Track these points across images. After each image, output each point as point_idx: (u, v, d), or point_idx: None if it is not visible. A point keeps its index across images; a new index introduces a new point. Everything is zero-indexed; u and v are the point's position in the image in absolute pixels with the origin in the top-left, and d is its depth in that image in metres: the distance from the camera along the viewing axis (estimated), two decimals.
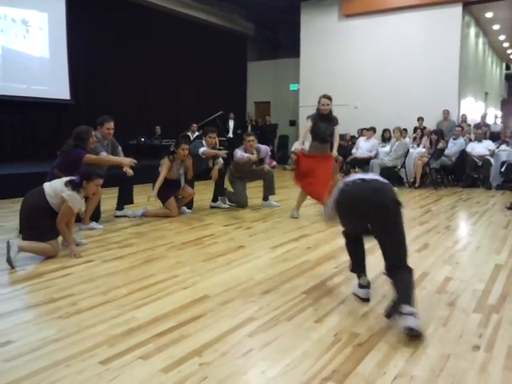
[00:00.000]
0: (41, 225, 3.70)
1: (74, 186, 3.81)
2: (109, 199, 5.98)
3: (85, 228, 4.84)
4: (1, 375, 2.00)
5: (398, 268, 2.55)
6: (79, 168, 4.48)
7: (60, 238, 3.92)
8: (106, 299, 2.87)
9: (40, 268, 3.52)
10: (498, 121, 14.17)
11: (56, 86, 10.12)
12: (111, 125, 5.28)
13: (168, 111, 12.62)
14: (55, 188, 3.78)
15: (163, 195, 5.55)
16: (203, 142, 6.14)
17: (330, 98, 5.44)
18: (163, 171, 5.46)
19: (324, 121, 5.44)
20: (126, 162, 5.19)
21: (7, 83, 9.19)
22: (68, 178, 3.86)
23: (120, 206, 5.59)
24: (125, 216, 5.52)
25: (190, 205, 6.01)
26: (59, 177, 4.09)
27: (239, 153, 6.13)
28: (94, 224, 4.92)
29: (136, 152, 8.35)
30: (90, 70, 10.78)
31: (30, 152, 9.14)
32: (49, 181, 3.96)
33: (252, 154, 6.19)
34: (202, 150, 5.94)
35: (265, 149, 6.45)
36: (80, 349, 2.22)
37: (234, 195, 6.30)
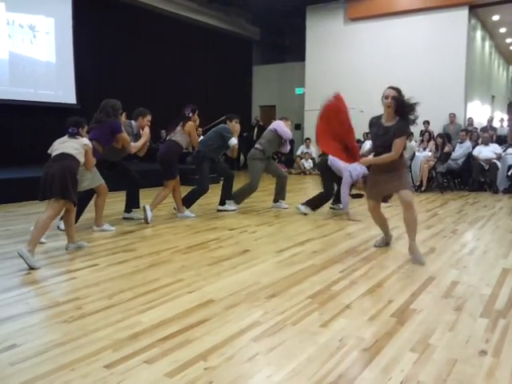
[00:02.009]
0: (75, 184, 3.91)
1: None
2: (115, 203, 6.02)
3: (97, 230, 4.87)
4: (6, 379, 2.00)
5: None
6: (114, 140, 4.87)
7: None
8: (111, 303, 2.87)
9: (45, 272, 3.52)
10: (505, 124, 14.07)
11: (62, 90, 10.19)
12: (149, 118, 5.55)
13: (174, 115, 12.63)
14: (77, 143, 4.05)
15: (173, 169, 5.57)
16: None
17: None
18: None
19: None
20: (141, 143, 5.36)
21: (14, 88, 9.26)
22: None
23: (128, 209, 5.63)
24: (132, 219, 5.54)
25: (188, 201, 5.98)
26: (97, 149, 4.55)
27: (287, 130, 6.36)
28: (106, 226, 4.95)
29: (143, 156, 8.37)
30: (96, 74, 10.83)
31: (36, 156, 9.16)
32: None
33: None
34: (232, 141, 6.00)
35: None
36: (85, 353, 2.22)
37: (245, 188, 6.34)
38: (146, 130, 5.45)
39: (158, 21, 12.23)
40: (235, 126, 6.20)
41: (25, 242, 3.75)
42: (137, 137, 5.52)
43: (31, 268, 3.51)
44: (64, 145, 4.01)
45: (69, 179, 3.78)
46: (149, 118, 5.52)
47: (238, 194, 6.37)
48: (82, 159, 4.03)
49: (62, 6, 10.07)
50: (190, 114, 5.70)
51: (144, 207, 5.34)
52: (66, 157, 3.90)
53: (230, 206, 6.32)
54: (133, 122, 5.48)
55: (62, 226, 4.89)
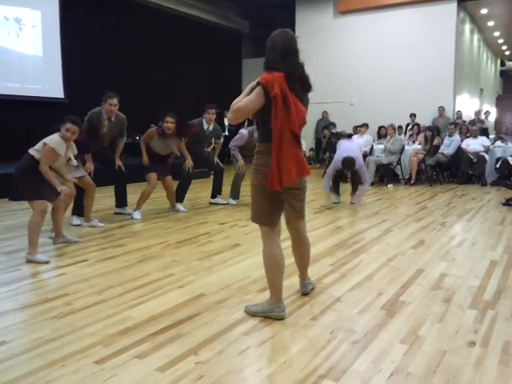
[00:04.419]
0: (29, 182, 3.65)
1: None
2: (106, 198, 5.98)
3: (86, 225, 4.84)
4: None
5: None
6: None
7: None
8: (101, 299, 2.86)
9: (34, 268, 3.50)
10: (490, 118, 14.18)
11: (50, 84, 10.05)
12: (114, 101, 5.31)
13: (163, 109, 12.52)
14: (40, 144, 3.80)
15: (147, 167, 5.48)
16: (203, 120, 6.27)
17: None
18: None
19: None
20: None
21: (0, 82, 9.13)
22: None
23: (118, 204, 5.61)
24: (123, 213, 5.52)
25: (180, 197, 5.92)
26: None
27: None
28: (95, 222, 4.91)
29: (131, 151, 8.32)
30: (84, 68, 10.71)
31: (23, 151, 9.07)
32: None
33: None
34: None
35: None
36: (75, 349, 2.21)
37: (233, 180, 6.38)
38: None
39: (147, 13, 12.11)
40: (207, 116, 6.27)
41: (11, 239, 3.72)
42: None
43: (45, 263, 3.54)
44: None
45: (20, 180, 3.65)
46: (110, 102, 5.35)
47: (233, 190, 6.38)
48: (39, 158, 3.73)
49: None
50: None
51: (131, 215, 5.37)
52: (25, 156, 3.76)
53: (222, 199, 6.36)
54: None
55: (74, 222, 4.87)
